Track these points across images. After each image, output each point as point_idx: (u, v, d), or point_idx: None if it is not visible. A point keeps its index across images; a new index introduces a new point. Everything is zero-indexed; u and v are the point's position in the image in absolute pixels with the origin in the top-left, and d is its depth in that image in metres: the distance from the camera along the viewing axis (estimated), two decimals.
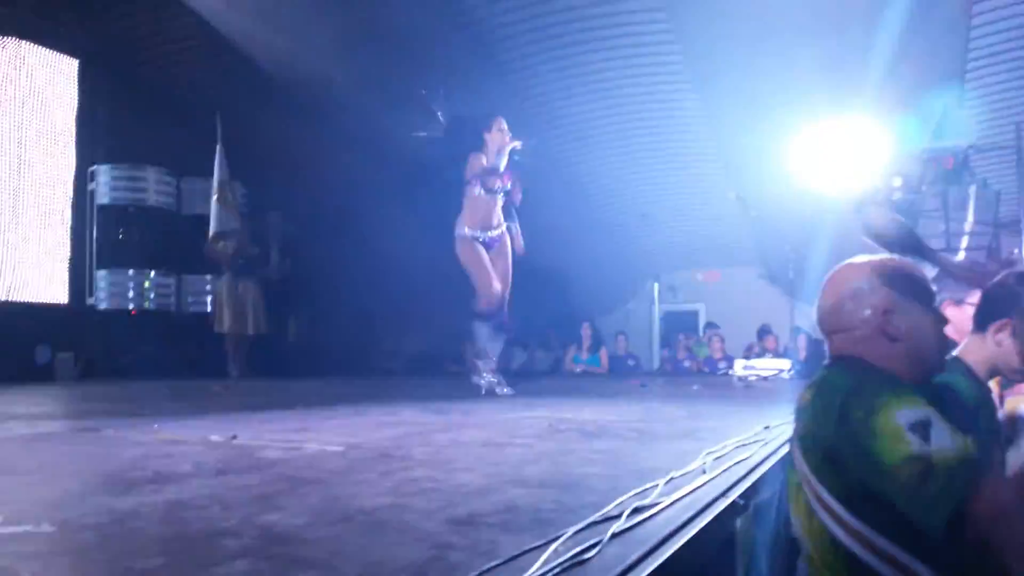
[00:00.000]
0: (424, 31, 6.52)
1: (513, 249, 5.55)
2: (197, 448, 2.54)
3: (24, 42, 7.17)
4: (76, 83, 7.71)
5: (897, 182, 6.45)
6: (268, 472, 2.06)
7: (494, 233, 5.44)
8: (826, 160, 6.63)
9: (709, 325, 11.08)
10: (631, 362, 10.37)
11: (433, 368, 9.57)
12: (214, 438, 2.71)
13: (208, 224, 7.68)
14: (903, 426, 1.33)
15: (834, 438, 1.45)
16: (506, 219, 5.55)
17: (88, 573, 1.18)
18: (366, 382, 7.24)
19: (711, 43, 6.56)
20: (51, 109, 7.49)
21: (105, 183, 7.92)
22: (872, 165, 6.53)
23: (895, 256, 1.84)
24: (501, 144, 5.39)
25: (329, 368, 8.56)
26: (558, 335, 10.79)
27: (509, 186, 5.43)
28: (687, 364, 10.14)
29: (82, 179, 7.85)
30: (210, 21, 6.76)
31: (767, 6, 5.84)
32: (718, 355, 9.93)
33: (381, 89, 7.21)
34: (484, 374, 5.37)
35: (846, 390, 1.47)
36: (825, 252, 7.69)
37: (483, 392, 5.28)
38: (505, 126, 5.44)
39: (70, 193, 7.75)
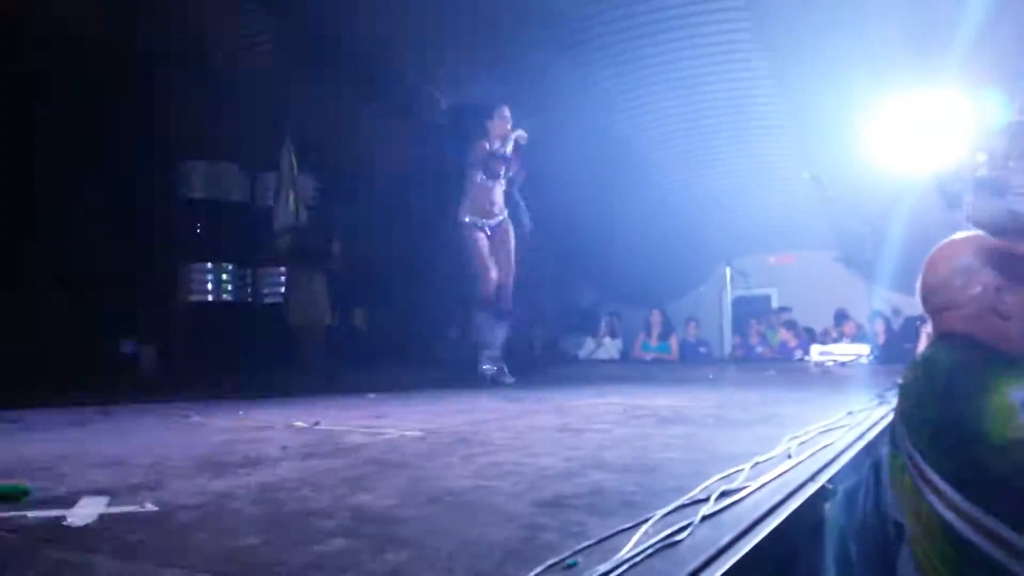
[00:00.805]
0: (496, 20, 6.52)
1: (517, 235, 5.55)
2: (282, 433, 2.61)
3: None
4: None
5: (981, 157, 6.18)
6: (353, 456, 2.11)
7: (494, 221, 5.46)
8: (906, 136, 6.39)
9: (781, 309, 10.83)
10: (702, 349, 10.22)
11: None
12: (298, 424, 2.78)
13: (273, 219, 7.92)
14: (1017, 404, 1.28)
15: (941, 417, 1.40)
16: (508, 206, 5.56)
17: (193, 550, 1.22)
18: (434, 371, 7.32)
19: (784, 18, 6.37)
20: None
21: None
22: (955, 140, 6.27)
23: None
24: (504, 132, 5.40)
25: (396, 357, 8.68)
26: (626, 322, 10.71)
27: (513, 173, 5.46)
28: (760, 350, 9.94)
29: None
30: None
31: None
32: (793, 343, 9.71)
33: (448, 77, 7.26)
34: (487, 363, 5.36)
35: (951, 367, 1.42)
36: (905, 232, 7.44)
37: (488, 381, 5.25)
38: (508, 114, 5.45)
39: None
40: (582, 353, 10.29)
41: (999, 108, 5.95)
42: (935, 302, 1.68)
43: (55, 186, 6.44)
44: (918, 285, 1.74)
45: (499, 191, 5.48)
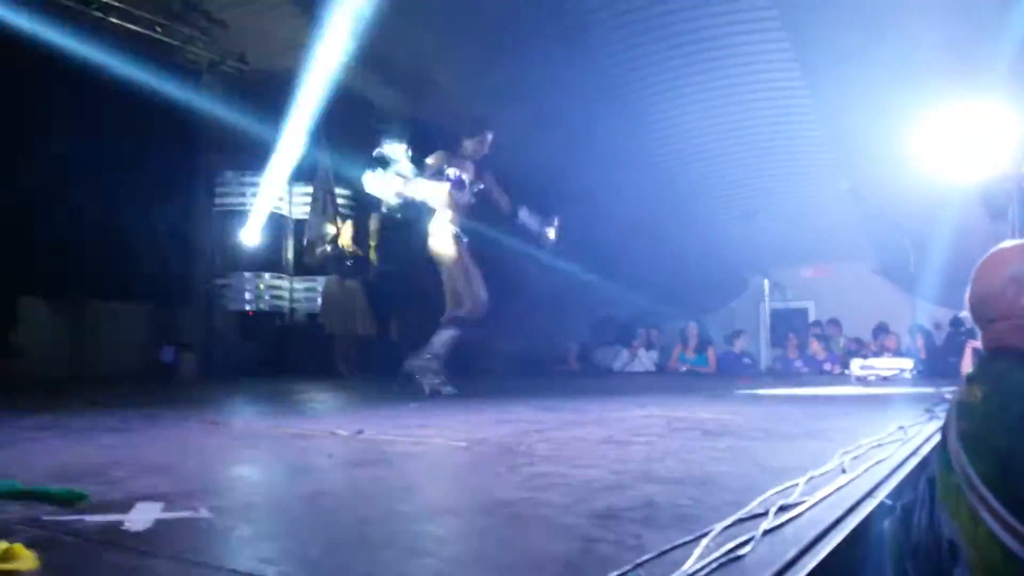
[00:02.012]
0: (526, 28, 6.54)
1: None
2: (326, 442, 2.62)
3: None
4: None
5: None
6: (400, 465, 2.10)
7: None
8: (948, 146, 6.29)
9: (814, 323, 10.67)
10: (747, 360, 10.08)
11: (533, 368, 9.60)
12: (341, 432, 2.79)
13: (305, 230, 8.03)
14: None
15: (1014, 444, 1.35)
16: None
17: (251, 556, 1.22)
18: (469, 381, 7.31)
19: (822, 28, 6.32)
20: None
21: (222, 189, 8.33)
22: (999, 151, 6.15)
23: None
24: (476, 151, 5.27)
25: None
26: (663, 334, 10.65)
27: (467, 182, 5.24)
28: (798, 364, 9.80)
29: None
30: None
31: None
32: (821, 355, 9.58)
33: (479, 84, 7.29)
34: (431, 376, 5.04)
35: None
36: (947, 243, 7.30)
37: (427, 393, 4.92)
38: (489, 139, 5.30)
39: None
40: (616, 365, 10.23)
41: None
42: (985, 313, 1.63)
43: (97, 196, 6.55)
44: (967, 295, 1.68)
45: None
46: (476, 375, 8.73)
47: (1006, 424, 1.36)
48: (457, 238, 5.18)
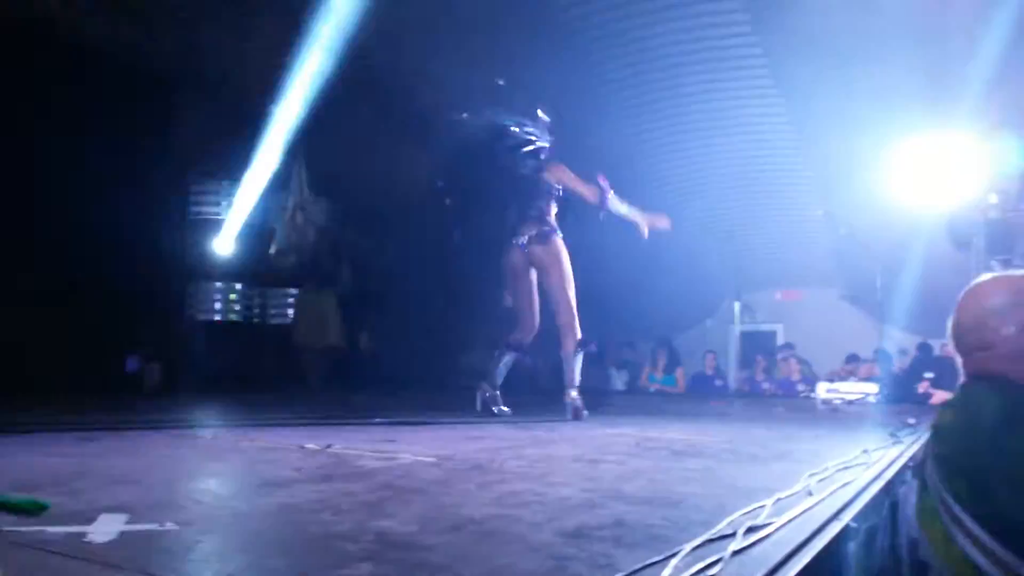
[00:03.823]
0: (510, 35, 6.57)
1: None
2: (295, 455, 2.59)
3: None
4: None
5: (993, 199, 6.21)
6: (370, 480, 2.08)
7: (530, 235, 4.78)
8: (920, 175, 6.43)
9: (785, 346, 10.80)
10: (718, 382, 10.13)
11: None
12: (310, 446, 2.76)
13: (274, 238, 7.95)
14: None
15: (986, 465, 1.38)
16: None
17: (219, 571, 1.21)
18: (439, 396, 7.28)
19: (798, 54, 6.44)
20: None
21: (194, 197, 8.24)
22: (967, 182, 6.30)
23: None
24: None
25: (400, 382, 8.63)
26: (636, 353, 10.69)
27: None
28: (765, 386, 9.89)
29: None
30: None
31: (857, 17, 5.70)
32: (795, 376, 9.66)
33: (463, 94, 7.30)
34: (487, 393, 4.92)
35: (1000, 414, 1.40)
36: (916, 270, 7.44)
37: (486, 410, 4.87)
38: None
39: None
40: (591, 383, 10.24)
41: (1012, 151, 6.00)
42: (968, 342, 1.67)
43: (58, 201, 6.43)
44: (949, 325, 1.73)
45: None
46: (445, 389, 8.70)
47: (976, 443, 1.40)
48: (519, 248, 4.75)
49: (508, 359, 5.01)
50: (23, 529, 1.38)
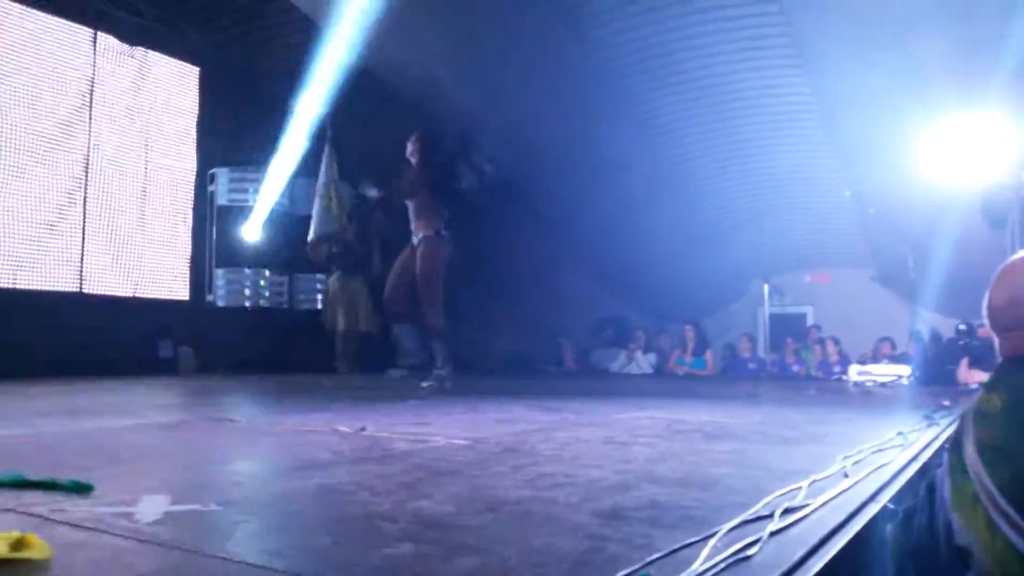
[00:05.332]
0: (526, 26, 6.55)
1: None
2: (330, 438, 2.62)
3: (152, 52, 7.60)
4: (197, 89, 8.11)
5: None
6: (405, 462, 2.11)
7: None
8: (950, 155, 6.31)
9: (813, 327, 10.67)
10: (752, 365, 10.04)
11: (526, 368, 9.59)
12: (343, 428, 2.79)
13: (310, 225, 7.98)
14: None
15: None
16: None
17: (264, 549, 1.23)
18: (465, 380, 7.29)
19: (825, 34, 6.32)
20: (175, 115, 7.90)
21: (223, 185, 8.30)
22: (998, 160, 6.17)
23: None
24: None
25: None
26: (663, 337, 10.65)
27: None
28: (795, 368, 9.81)
29: (203, 181, 8.23)
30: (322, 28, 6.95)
31: None
32: (833, 359, 9.54)
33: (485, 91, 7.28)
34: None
35: None
36: (948, 252, 7.32)
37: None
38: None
39: (191, 195, 8.14)
40: (614, 367, 10.23)
41: None
42: (1003, 321, 1.63)
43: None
44: (984, 303, 1.68)
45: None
46: (468, 373, 8.73)
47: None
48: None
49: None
50: (72, 508, 1.42)
